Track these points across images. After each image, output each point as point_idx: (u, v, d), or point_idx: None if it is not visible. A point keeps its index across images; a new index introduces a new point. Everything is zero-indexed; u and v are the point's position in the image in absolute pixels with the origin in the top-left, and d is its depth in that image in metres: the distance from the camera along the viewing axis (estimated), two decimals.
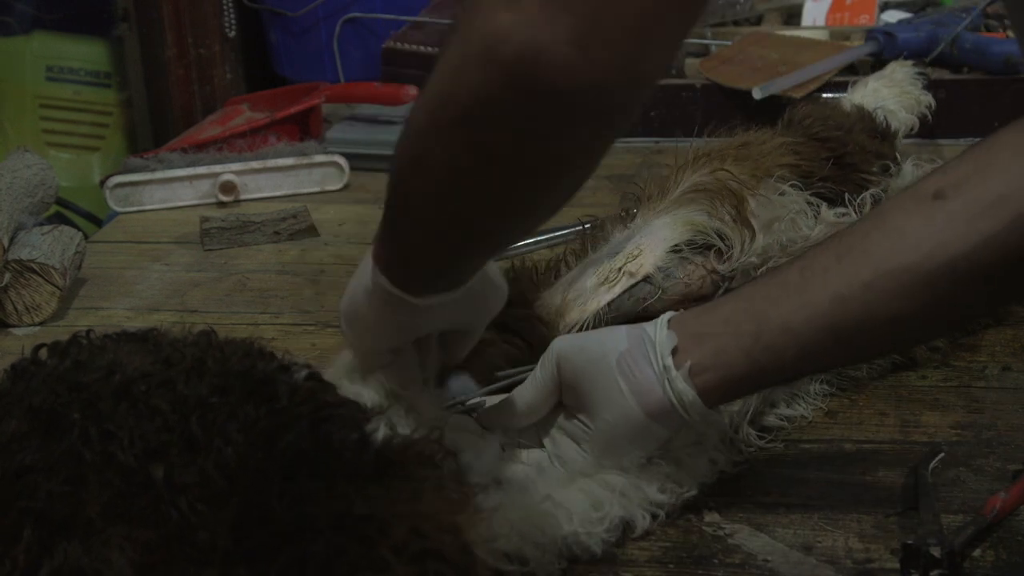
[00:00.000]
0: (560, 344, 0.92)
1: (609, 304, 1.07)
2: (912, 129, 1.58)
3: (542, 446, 0.93)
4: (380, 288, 0.88)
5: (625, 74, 0.67)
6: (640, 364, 0.87)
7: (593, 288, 1.08)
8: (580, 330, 1.06)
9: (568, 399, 0.92)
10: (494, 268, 0.94)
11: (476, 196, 0.75)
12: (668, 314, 0.90)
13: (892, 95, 1.58)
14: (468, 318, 0.94)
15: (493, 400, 0.97)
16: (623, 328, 0.91)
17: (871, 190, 1.24)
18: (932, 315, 0.84)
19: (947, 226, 0.81)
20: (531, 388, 0.92)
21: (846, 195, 1.23)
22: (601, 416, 0.89)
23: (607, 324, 1.09)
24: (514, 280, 1.11)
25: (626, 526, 0.89)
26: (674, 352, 0.87)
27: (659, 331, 0.88)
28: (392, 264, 0.87)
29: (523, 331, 1.06)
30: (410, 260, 0.86)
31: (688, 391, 0.86)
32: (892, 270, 0.82)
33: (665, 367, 0.86)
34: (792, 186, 1.18)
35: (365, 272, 0.90)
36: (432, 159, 0.74)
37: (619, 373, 0.88)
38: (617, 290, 1.07)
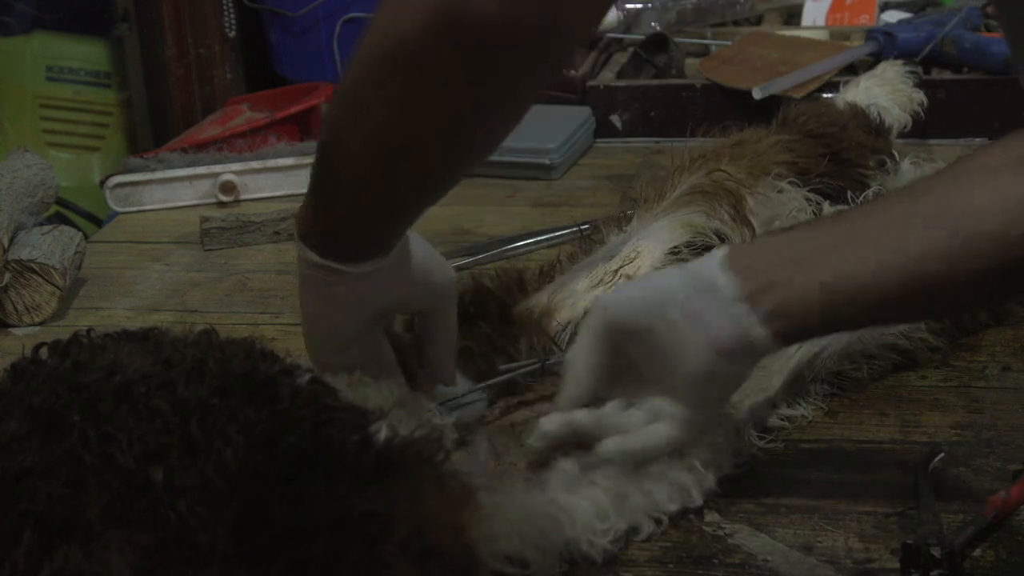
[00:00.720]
0: (610, 302, 0.89)
1: None
2: (905, 127, 1.58)
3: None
4: (308, 267, 0.88)
5: (539, 32, 0.75)
6: (710, 313, 0.85)
7: (585, 290, 1.08)
8: (571, 329, 1.05)
9: (636, 353, 0.89)
10: (433, 250, 0.95)
11: (410, 135, 0.80)
12: (721, 251, 0.87)
13: (884, 93, 1.58)
14: (412, 292, 0.93)
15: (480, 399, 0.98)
16: (674, 273, 0.89)
17: (873, 187, 1.24)
18: (1014, 279, 0.84)
19: None
20: (583, 354, 0.90)
21: (849, 193, 1.23)
22: (680, 370, 0.86)
23: None
24: (499, 284, 1.11)
25: (631, 531, 0.89)
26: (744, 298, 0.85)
27: (719, 274, 0.85)
28: (320, 234, 0.87)
29: (496, 335, 1.06)
30: (340, 223, 0.87)
31: (764, 337, 0.84)
32: (975, 235, 0.81)
33: (738, 315, 0.84)
34: (790, 183, 1.18)
35: None
36: (368, 103, 0.79)
37: (691, 324, 0.85)
38: None
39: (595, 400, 0.91)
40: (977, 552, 0.86)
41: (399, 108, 0.79)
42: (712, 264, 0.87)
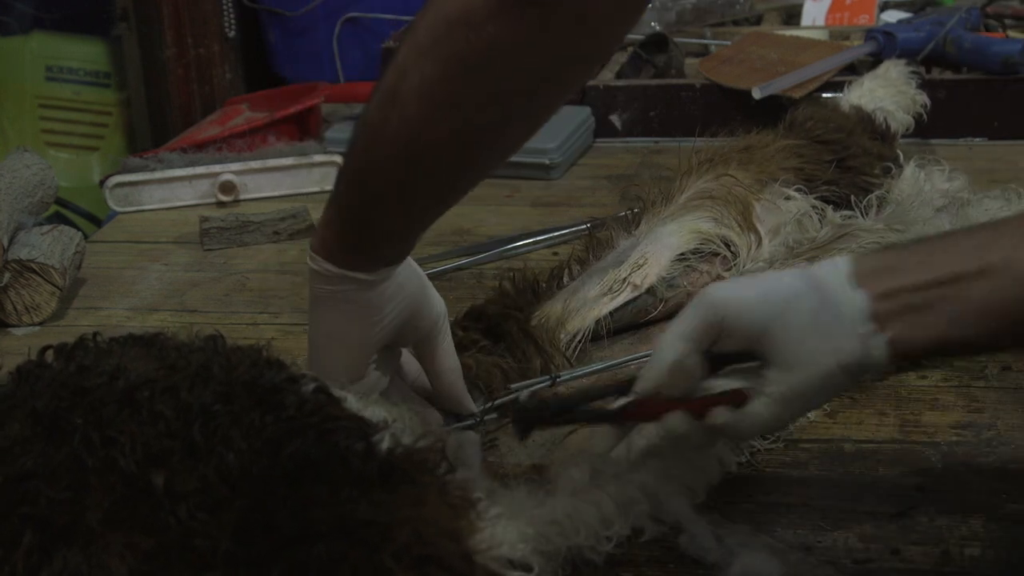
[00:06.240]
0: (725, 297, 0.86)
1: (611, 314, 1.07)
2: (908, 129, 1.58)
3: None
4: (326, 281, 0.89)
5: None
6: (838, 329, 0.83)
7: (596, 298, 1.08)
8: (580, 340, 1.06)
9: (736, 347, 0.87)
10: (425, 280, 0.96)
11: (450, 118, 0.80)
12: (845, 265, 0.86)
13: (888, 95, 1.58)
14: (416, 306, 0.95)
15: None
16: (795, 279, 0.86)
17: (876, 192, 1.24)
18: None
19: None
20: (679, 340, 0.86)
21: (852, 197, 1.23)
22: (795, 373, 0.84)
23: (609, 333, 1.09)
24: (516, 291, 1.12)
25: (634, 532, 0.89)
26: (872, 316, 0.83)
27: (847, 290, 0.84)
28: (342, 244, 0.88)
29: (514, 348, 1.06)
30: (365, 230, 0.87)
31: (884, 358, 0.83)
32: None
33: (865, 335, 0.83)
34: (797, 190, 1.18)
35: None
36: (410, 87, 0.80)
37: (817, 336, 0.84)
38: (620, 300, 1.07)
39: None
40: (977, 552, 0.86)
41: (447, 85, 0.78)
42: (839, 277, 0.85)
